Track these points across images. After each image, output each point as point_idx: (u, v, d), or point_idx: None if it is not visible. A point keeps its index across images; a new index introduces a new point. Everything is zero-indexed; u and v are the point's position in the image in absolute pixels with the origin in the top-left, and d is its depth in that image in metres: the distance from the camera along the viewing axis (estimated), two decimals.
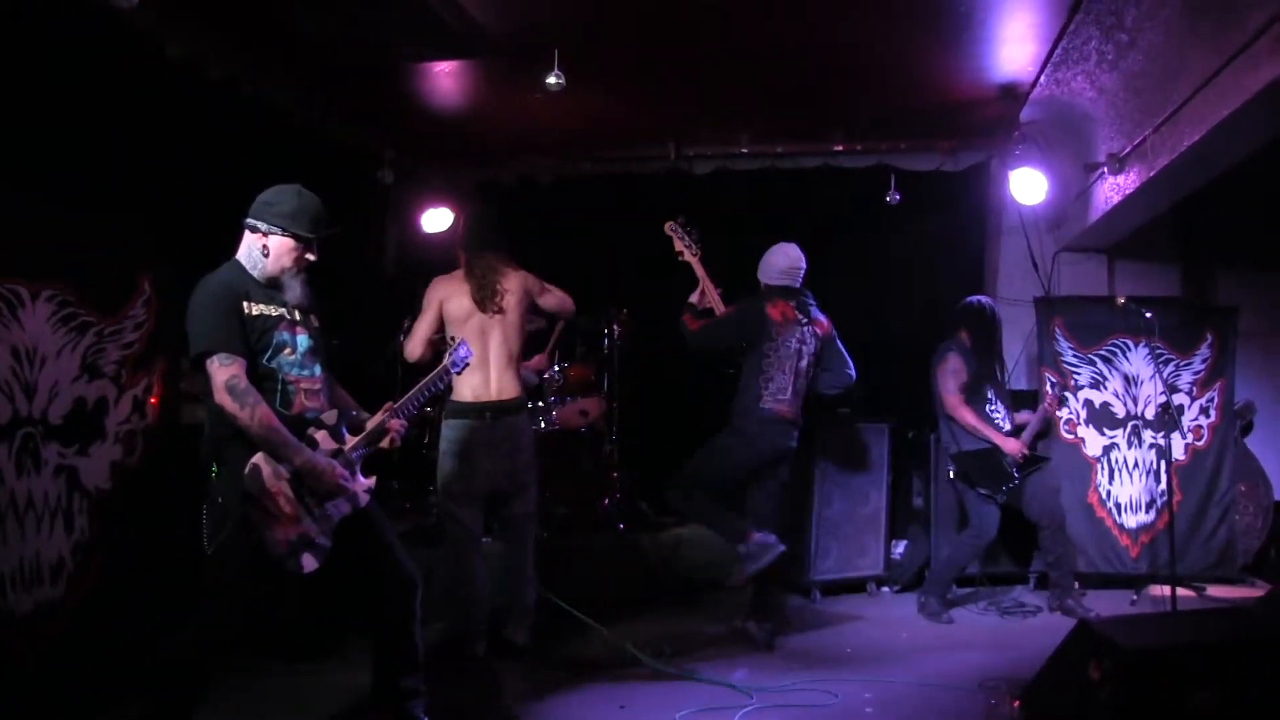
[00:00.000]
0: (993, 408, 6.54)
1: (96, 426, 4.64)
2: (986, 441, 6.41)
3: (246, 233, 3.81)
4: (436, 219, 8.57)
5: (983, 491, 6.44)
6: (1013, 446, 6.39)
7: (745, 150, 8.15)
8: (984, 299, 6.84)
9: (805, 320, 5.88)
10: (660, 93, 7.04)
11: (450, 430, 5.43)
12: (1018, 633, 6.15)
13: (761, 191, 8.36)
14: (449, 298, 5.45)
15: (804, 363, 5.86)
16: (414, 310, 7.50)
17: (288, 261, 3.80)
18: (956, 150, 7.90)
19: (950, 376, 6.53)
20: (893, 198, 7.80)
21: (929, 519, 7.19)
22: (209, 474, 3.68)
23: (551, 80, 5.82)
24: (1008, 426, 6.54)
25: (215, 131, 6.20)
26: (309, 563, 3.66)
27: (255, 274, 3.78)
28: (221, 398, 3.52)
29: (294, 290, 3.82)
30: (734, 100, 7.24)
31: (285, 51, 6.15)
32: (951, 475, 6.63)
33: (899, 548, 7.40)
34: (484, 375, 5.40)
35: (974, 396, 6.51)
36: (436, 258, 8.67)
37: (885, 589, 7.23)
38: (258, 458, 3.57)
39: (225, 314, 3.63)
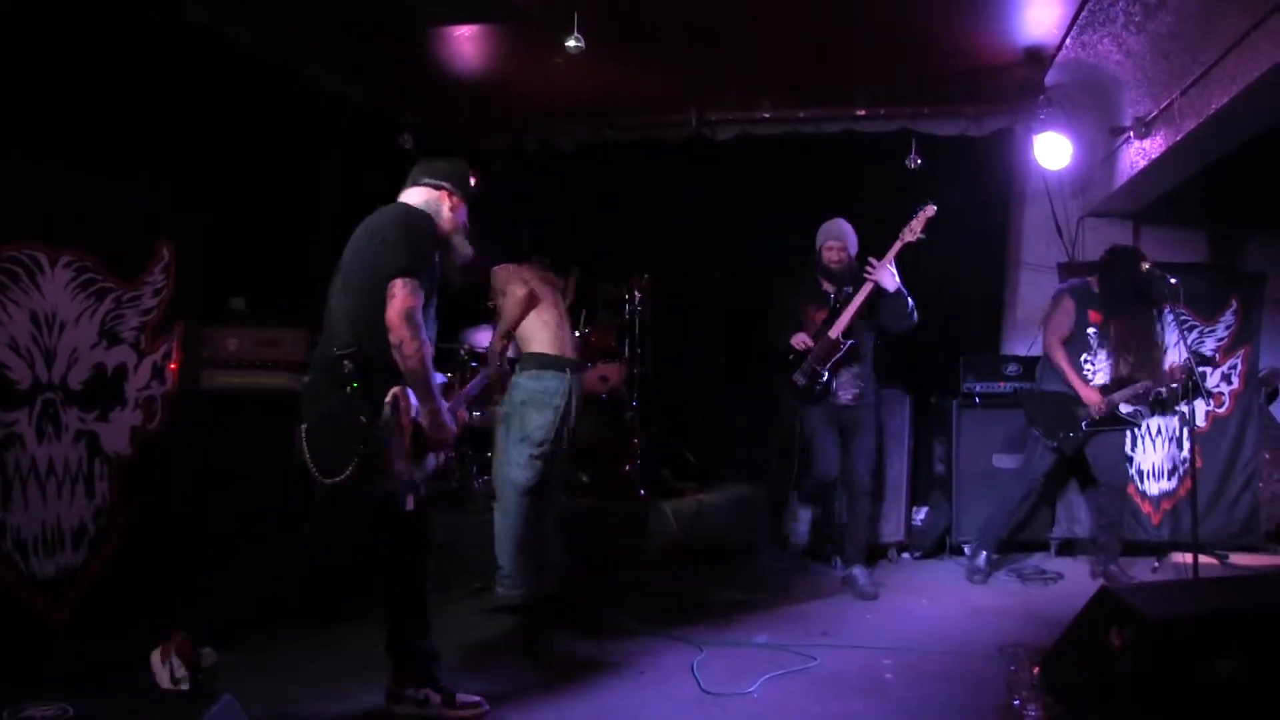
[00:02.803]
0: (1089, 357, 6.39)
1: (116, 392, 4.66)
2: (1069, 387, 6.31)
3: (427, 188, 3.99)
4: None
5: (1035, 433, 6.42)
6: (1092, 398, 6.25)
7: (767, 115, 8.07)
8: (1130, 247, 6.70)
9: None
10: (681, 58, 6.98)
11: (536, 381, 5.61)
12: (1039, 599, 6.13)
13: (784, 157, 8.30)
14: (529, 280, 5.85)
15: None
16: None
17: (459, 222, 4.00)
18: (980, 115, 7.80)
19: (1059, 314, 6.43)
20: (913, 162, 7.72)
21: (950, 486, 7.17)
22: (348, 388, 3.63)
23: (571, 43, 5.77)
24: (1099, 380, 6.38)
25: (235, 98, 6.19)
26: (410, 502, 3.72)
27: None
28: (397, 320, 3.56)
29: (467, 250, 4.02)
30: (756, 65, 7.17)
31: (305, 16, 6.12)
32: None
33: (920, 514, 7.39)
34: (562, 334, 5.78)
35: (1075, 341, 6.38)
36: None
37: (906, 555, 7.22)
38: (400, 392, 3.60)
39: (431, 250, 3.78)
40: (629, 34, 6.41)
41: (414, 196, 3.97)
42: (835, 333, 6.02)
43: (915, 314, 6.05)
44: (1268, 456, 7.44)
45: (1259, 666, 3.56)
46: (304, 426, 3.70)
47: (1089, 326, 6.38)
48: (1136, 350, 6.45)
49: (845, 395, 6.11)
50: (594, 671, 4.68)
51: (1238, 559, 6.98)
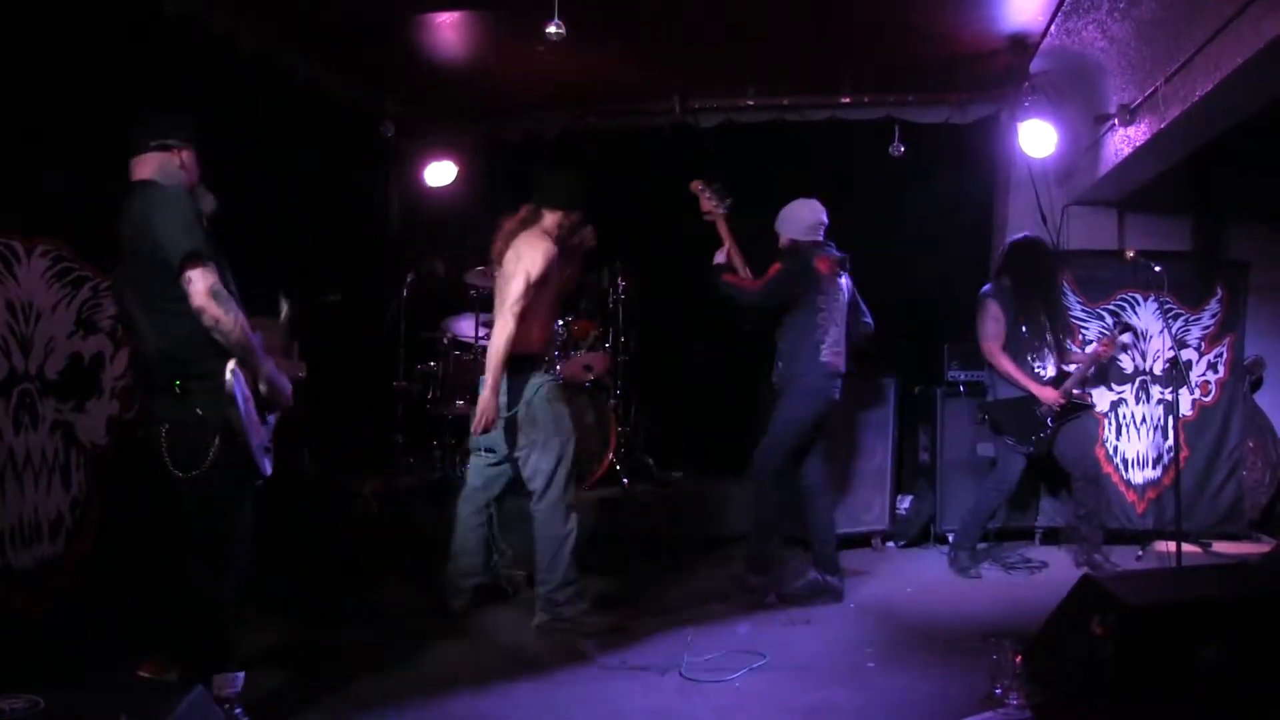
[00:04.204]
0: (1034, 355, 6.39)
1: (93, 382, 4.63)
2: (1023, 390, 6.30)
3: (153, 154, 3.73)
4: (439, 173, 8.50)
5: (1009, 441, 6.38)
6: (1049, 395, 6.25)
7: (751, 103, 8.06)
8: (1030, 236, 6.68)
9: (841, 273, 5.93)
10: (665, 45, 6.94)
11: None
12: (1022, 587, 6.14)
13: (767, 144, 8.27)
14: None
15: (848, 314, 5.93)
16: (418, 266, 7.55)
17: (198, 171, 3.82)
18: (965, 103, 7.79)
19: (988, 322, 6.41)
20: (896, 150, 7.70)
21: (934, 474, 7.17)
22: (170, 390, 3.57)
23: (551, 29, 5.71)
24: (1049, 374, 6.38)
25: (214, 86, 6.12)
26: (268, 467, 3.72)
27: None
28: (205, 302, 3.46)
29: (210, 199, 3.85)
30: (739, 52, 7.14)
31: (285, 3, 6.07)
32: (980, 421, 6.67)
33: (904, 503, 7.39)
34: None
35: (1014, 342, 6.37)
36: (440, 212, 8.68)
37: (890, 544, 7.21)
38: (234, 369, 3.54)
39: (200, 223, 3.59)
40: (611, 20, 6.38)
41: (148, 168, 3.71)
42: None
43: (728, 290, 5.77)
44: (1252, 445, 7.46)
45: (1239, 654, 3.56)
46: (164, 427, 3.58)
47: (1023, 326, 6.39)
48: (1045, 344, 6.44)
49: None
50: (577, 660, 4.67)
51: (1221, 547, 6.99)
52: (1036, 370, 6.36)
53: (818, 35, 6.72)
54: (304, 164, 7.02)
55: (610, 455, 7.37)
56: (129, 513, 4.75)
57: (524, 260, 5.06)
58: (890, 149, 7.70)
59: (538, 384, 5.12)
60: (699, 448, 8.52)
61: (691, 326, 8.76)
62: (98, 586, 4.57)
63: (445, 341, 7.42)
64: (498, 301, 5.12)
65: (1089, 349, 6.72)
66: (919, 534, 7.23)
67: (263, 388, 3.70)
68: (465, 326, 7.47)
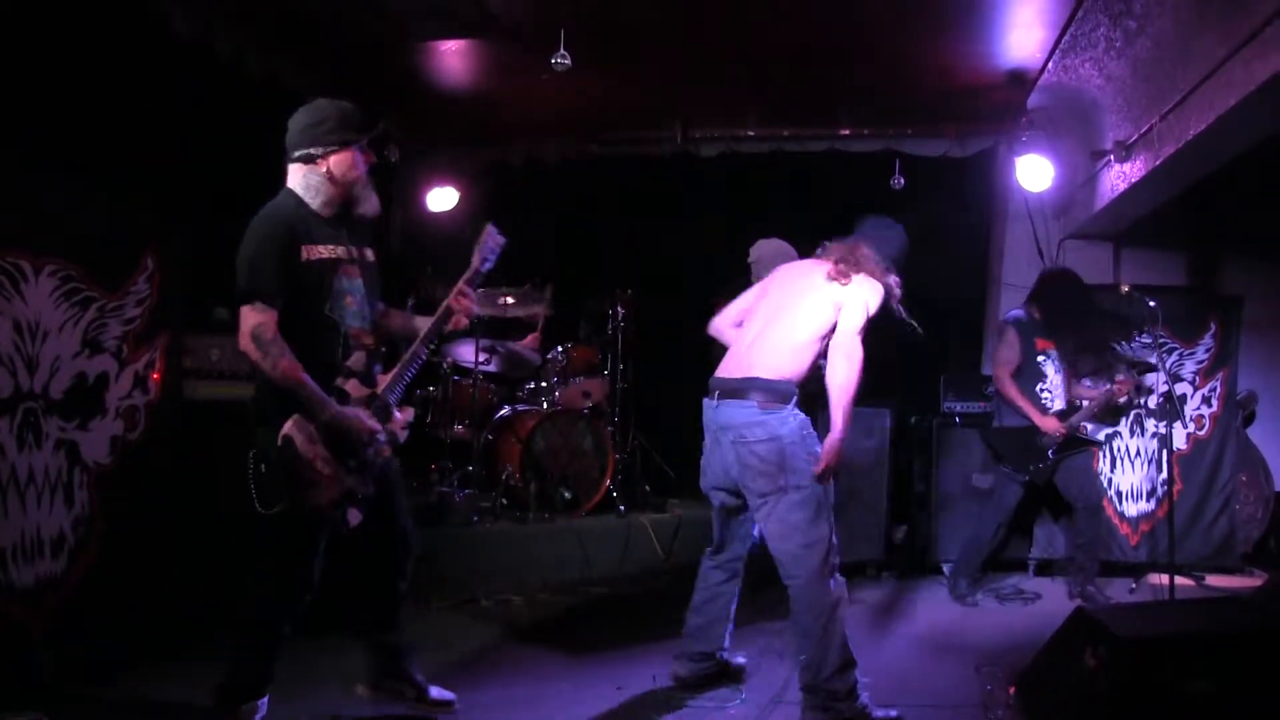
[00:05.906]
0: (1044, 385, 6.40)
1: (98, 402, 4.64)
2: (1027, 418, 6.31)
3: (298, 165, 3.71)
4: (441, 199, 8.57)
5: (1006, 469, 6.40)
6: (1050, 425, 6.24)
7: (752, 133, 8.14)
8: (1061, 268, 6.72)
9: None
10: (667, 74, 7.03)
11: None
12: (1016, 619, 6.15)
13: (767, 175, 8.34)
14: None
15: None
16: (418, 290, 7.57)
17: (355, 173, 3.73)
18: (964, 136, 7.87)
19: (1003, 348, 6.43)
20: (897, 182, 7.77)
21: (930, 504, 7.19)
22: (256, 427, 3.56)
23: (557, 61, 5.80)
24: (1057, 406, 6.39)
25: (221, 108, 6.19)
26: (354, 517, 3.66)
27: (316, 206, 3.69)
28: (246, 344, 3.42)
29: (372, 200, 3.79)
30: (741, 83, 7.22)
31: (292, 28, 6.14)
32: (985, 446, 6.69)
33: (899, 532, 7.40)
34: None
35: (1027, 371, 6.38)
36: (441, 235, 8.73)
37: (885, 573, 7.23)
38: (289, 428, 3.44)
39: (278, 258, 3.51)
40: (615, 51, 6.46)
41: (293, 179, 3.72)
42: None
43: None
44: (1244, 479, 7.50)
45: (1232, 687, 3.58)
46: (251, 458, 3.55)
47: (1038, 355, 6.41)
48: (1093, 366, 6.47)
49: None
50: (575, 685, 4.68)
51: (1214, 580, 7.02)
52: (1044, 402, 6.40)
53: (819, 68, 6.80)
54: None
55: (607, 482, 7.39)
56: (133, 532, 4.78)
57: (866, 292, 4.52)
58: (891, 182, 7.77)
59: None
60: (696, 474, 8.52)
61: (690, 353, 8.81)
62: (98, 604, 4.58)
63: (445, 366, 7.45)
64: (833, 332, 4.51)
65: (1109, 387, 6.71)
66: (914, 564, 7.25)
67: (335, 435, 3.57)
68: (465, 352, 7.50)
